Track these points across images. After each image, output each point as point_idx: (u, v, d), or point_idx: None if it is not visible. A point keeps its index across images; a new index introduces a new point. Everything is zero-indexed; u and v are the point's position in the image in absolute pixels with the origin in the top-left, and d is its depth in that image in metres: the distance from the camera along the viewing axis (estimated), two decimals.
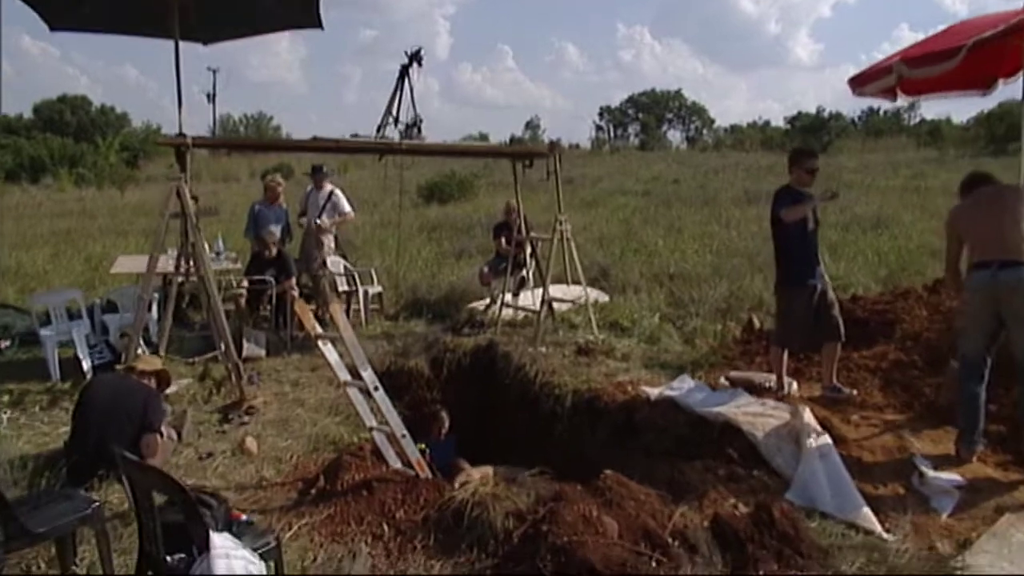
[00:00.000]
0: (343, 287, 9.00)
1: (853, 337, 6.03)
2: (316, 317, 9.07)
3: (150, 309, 7.50)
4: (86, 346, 6.77)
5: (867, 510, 3.95)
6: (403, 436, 4.21)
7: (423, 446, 6.53)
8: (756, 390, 5.58)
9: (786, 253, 5.50)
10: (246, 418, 5.61)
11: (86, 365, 6.65)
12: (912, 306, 6.67)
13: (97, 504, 3.17)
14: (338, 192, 9.05)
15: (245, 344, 7.14)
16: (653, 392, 5.95)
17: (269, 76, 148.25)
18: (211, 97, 52.92)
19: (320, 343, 4.22)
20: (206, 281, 5.86)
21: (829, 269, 9.94)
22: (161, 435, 4.62)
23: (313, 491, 4.29)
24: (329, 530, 3.91)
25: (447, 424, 6.90)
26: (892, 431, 4.84)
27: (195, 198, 6.16)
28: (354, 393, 4.33)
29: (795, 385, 5.70)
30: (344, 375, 4.30)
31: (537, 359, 7.23)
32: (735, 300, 9.08)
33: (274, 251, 8.13)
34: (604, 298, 9.64)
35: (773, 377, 5.84)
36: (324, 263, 8.80)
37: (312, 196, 9.18)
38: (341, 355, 4.53)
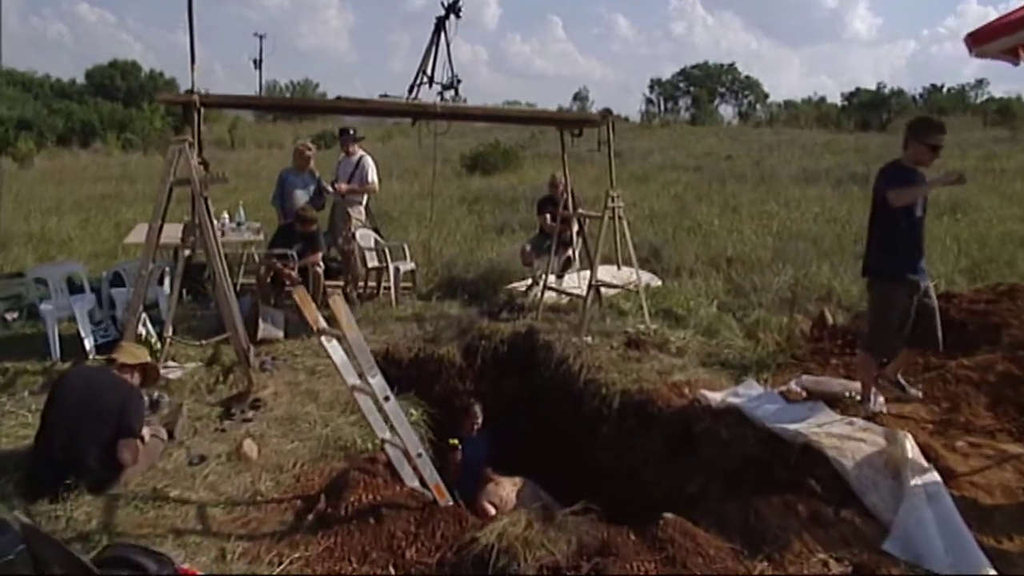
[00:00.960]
0: (373, 263, 8.33)
1: (948, 342, 5.17)
2: (344, 295, 8.50)
3: (161, 282, 6.93)
4: (89, 323, 6.20)
5: (994, 574, 3.16)
6: (419, 455, 3.51)
7: (455, 441, 5.92)
8: (837, 403, 4.76)
9: (886, 241, 4.61)
10: (250, 413, 4.97)
11: (88, 344, 6.08)
12: (1021, 308, 5.76)
13: (22, 549, 2.53)
14: (368, 160, 8.33)
15: (261, 325, 6.52)
16: (715, 398, 5.19)
17: (318, 44, 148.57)
18: (257, 63, 52.71)
19: (324, 340, 3.52)
20: (211, 255, 5.21)
21: None
22: (142, 439, 4.00)
23: (312, 515, 3.62)
24: (326, 567, 3.25)
25: (480, 419, 6.24)
26: (1011, 463, 4.00)
27: (203, 163, 5.53)
28: (364, 399, 3.63)
29: (882, 400, 4.86)
30: (352, 378, 3.61)
31: (582, 351, 6.49)
32: (801, 289, 8.20)
33: (312, 227, 7.47)
34: (656, 282, 8.85)
35: (854, 386, 5.03)
36: (352, 236, 8.13)
37: (343, 164, 8.50)
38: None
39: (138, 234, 7.95)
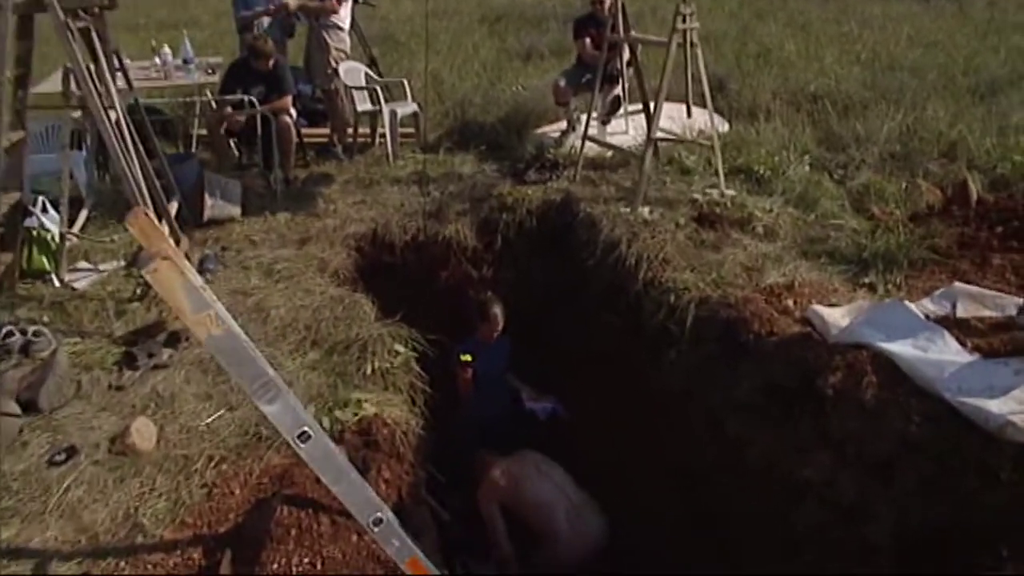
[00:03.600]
0: (364, 105, 6.48)
1: None
2: (328, 145, 6.72)
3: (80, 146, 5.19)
4: None
5: None
6: (376, 523, 1.94)
7: (468, 357, 4.45)
8: None
9: None
10: (165, 356, 3.40)
11: None
12: None
13: None
14: None
15: (208, 201, 4.85)
16: (835, 320, 3.57)
17: None
18: None
19: (196, 325, 1.80)
20: (98, 119, 3.47)
21: None
22: None
23: None
24: None
25: (501, 323, 4.67)
26: None
27: None
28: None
29: None
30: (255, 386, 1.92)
31: (638, 232, 4.82)
32: (916, 141, 6.31)
33: (270, 63, 5.63)
34: (723, 126, 6.95)
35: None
36: (335, 72, 6.24)
37: None
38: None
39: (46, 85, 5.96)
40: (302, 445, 1.74)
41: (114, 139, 3.45)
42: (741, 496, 3.60)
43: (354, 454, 2.65)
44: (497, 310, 4.66)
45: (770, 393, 3.49)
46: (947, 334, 3.24)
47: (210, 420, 2.96)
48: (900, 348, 3.19)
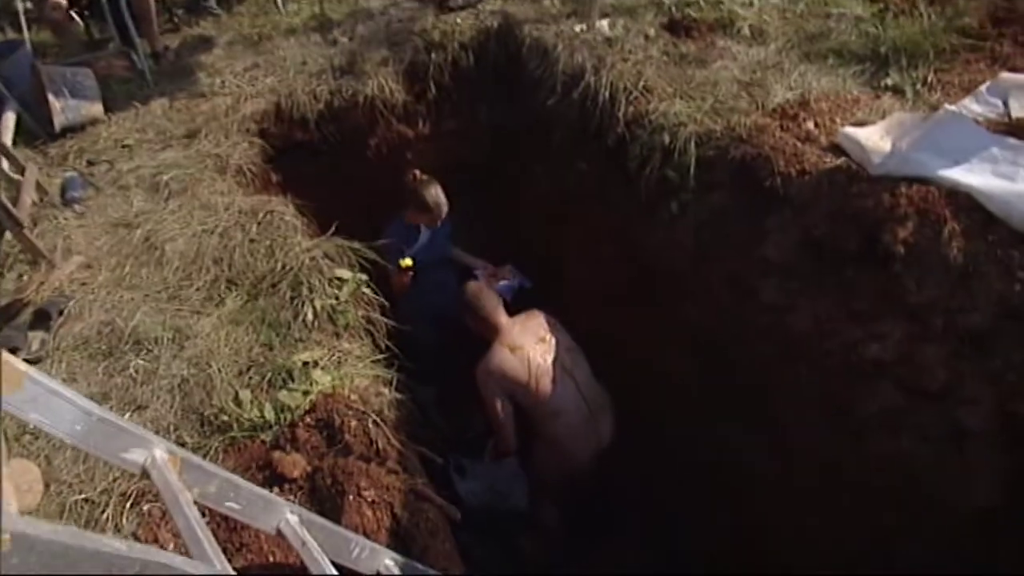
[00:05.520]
0: None
1: None
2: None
3: None
4: None
5: None
6: None
7: (409, 262, 3.62)
8: None
9: None
10: (35, 345, 2.47)
11: None
12: None
13: None
14: None
15: (55, 104, 3.72)
16: (873, 145, 2.85)
17: None
18: None
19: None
20: None
21: None
22: None
23: None
24: None
25: (445, 207, 3.71)
26: None
27: None
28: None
29: None
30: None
31: (604, 56, 3.91)
32: None
33: None
34: None
35: None
36: None
37: None
38: None
39: None
40: None
41: None
42: (782, 368, 3.00)
43: (324, 477, 1.89)
44: (437, 194, 3.68)
45: (813, 250, 2.80)
46: None
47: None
48: (980, 180, 2.50)
